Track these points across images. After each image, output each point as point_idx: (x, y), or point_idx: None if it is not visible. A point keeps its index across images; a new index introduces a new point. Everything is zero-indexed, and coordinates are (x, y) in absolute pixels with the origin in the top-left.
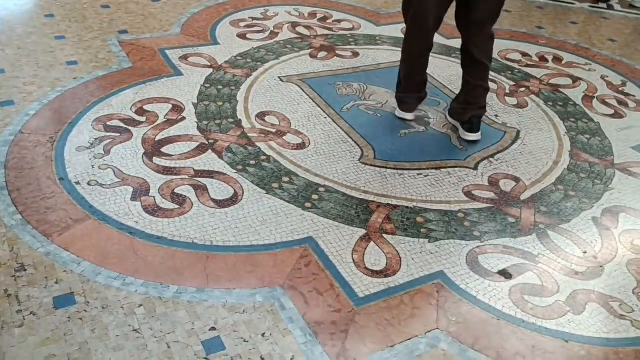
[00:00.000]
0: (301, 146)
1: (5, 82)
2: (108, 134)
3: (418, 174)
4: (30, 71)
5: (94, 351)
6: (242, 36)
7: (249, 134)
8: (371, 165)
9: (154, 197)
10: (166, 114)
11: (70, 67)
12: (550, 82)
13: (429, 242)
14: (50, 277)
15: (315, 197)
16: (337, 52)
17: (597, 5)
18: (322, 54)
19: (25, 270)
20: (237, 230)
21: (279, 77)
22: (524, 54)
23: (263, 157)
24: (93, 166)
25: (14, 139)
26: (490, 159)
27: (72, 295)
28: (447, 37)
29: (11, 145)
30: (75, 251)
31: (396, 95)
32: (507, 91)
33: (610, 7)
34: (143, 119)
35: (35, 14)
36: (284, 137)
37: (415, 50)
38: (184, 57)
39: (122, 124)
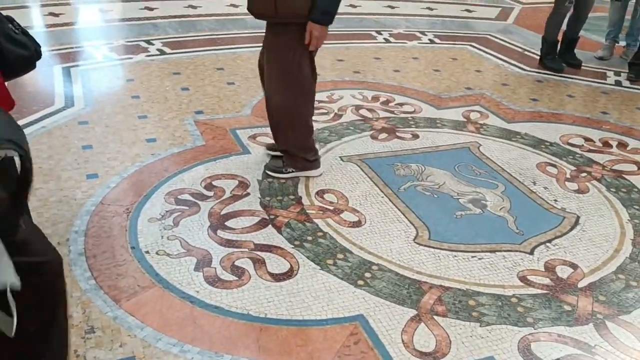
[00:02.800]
0: (357, 224)
1: (92, 156)
2: (178, 207)
3: (472, 257)
4: (115, 147)
5: None
6: None
7: (307, 211)
8: (425, 245)
9: (215, 268)
10: (232, 190)
11: (150, 144)
12: (614, 167)
13: (480, 326)
14: (116, 340)
15: (368, 275)
16: (398, 134)
17: None
18: (382, 135)
19: (94, 332)
20: (290, 304)
21: (340, 157)
22: (587, 139)
23: (320, 234)
24: (162, 237)
25: (95, 209)
26: (548, 244)
27: (134, 359)
28: (508, 121)
29: (92, 215)
30: (140, 317)
31: None
32: (568, 176)
33: None
34: (211, 193)
35: (124, 95)
36: (341, 215)
37: None
38: (253, 137)
39: (191, 198)
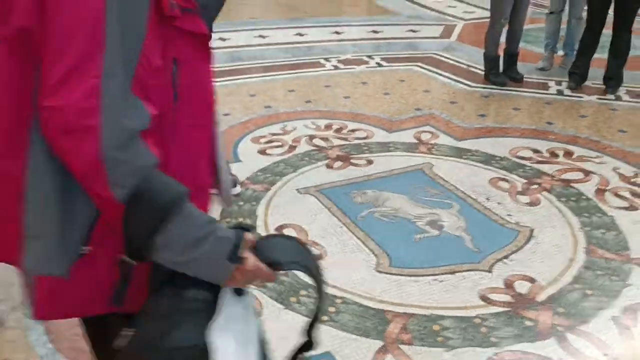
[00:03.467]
0: (318, 258)
1: None
2: None
3: (433, 280)
4: None
5: None
6: (263, 152)
7: None
8: (387, 273)
9: None
10: None
11: None
12: (562, 177)
13: (446, 351)
14: None
15: (332, 309)
16: (352, 161)
17: (605, 97)
18: (337, 164)
19: None
20: None
21: (297, 189)
22: (535, 151)
23: (281, 272)
24: None
25: None
26: (505, 260)
27: None
28: (458, 139)
29: None
30: None
31: None
32: (519, 189)
33: (618, 98)
34: None
35: None
36: None
37: None
38: None
39: None
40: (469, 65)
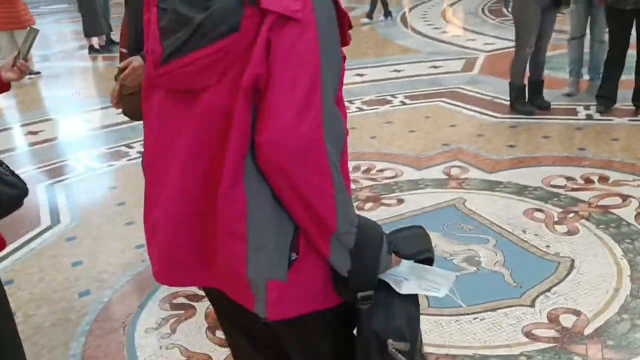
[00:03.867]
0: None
1: (82, 273)
2: (174, 312)
3: (474, 318)
4: (105, 259)
5: None
6: None
7: None
8: (426, 314)
9: None
10: None
11: (140, 251)
12: (599, 203)
13: None
14: None
15: None
16: (383, 201)
17: (636, 118)
18: (368, 205)
19: None
20: None
21: None
22: (569, 178)
23: None
24: (161, 347)
25: (90, 328)
26: (547, 294)
27: None
28: (489, 172)
29: (87, 335)
30: None
31: None
32: (556, 219)
33: None
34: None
35: (109, 204)
36: None
37: None
38: None
39: (186, 301)
40: (493, 97)
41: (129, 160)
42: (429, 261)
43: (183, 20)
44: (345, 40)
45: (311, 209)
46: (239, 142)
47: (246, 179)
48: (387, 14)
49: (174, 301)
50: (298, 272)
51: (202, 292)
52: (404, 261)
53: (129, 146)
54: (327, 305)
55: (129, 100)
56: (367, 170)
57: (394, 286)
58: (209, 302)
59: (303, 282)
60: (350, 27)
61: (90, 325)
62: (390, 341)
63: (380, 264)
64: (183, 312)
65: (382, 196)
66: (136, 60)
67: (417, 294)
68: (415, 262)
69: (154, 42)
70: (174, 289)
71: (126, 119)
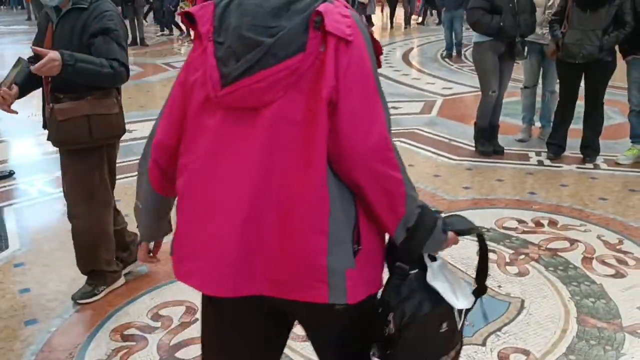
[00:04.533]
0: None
1: (30, 300)
2: (125, 343)
3: None
4: (54, 287)
5: None
6: None
7: None
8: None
9: None
10: (180, 317)
11: None
12: (549, 246)
13: None
14: None
15: None
16: None
17: (584, 166)
18: None
19: None
20: None
21: None
22: (520, 221)
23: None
24: None
25: (35, 358)
26: (498, 333)
27: None
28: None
29: None
30: None
31: None
32: (507, 260)
33: (597, 167)
34: (158, 324)
35: (62, 230)
36: (293, 330)
37: None
38: None
39: (138, 332)
40: (450, 139)
41: None
42: (481, 237)
43: (252, 44)
44: (379, 64)
45: (390, 198)
46: (324, 146)
47: (329, 180)
48: None
49: (125, 332)
50: (362, 261)
51: (155, 324)
52: (442, 261)
53: None
54: (379, 288)
55: (63, 126)
56: None
57: (428, 272)
58: (161, 334)
59: (365, 269)
60: (381, 52)
61: (36, 355)
62: (391, 315)
63: (428, 242)
64: (134, 343)
65: None
66: (54, 53)
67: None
68: (464, 234)
69: (212, 70)
70: (125, 319)
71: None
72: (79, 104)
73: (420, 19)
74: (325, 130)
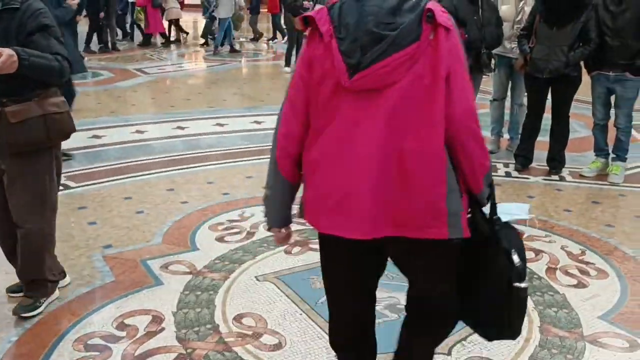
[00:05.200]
0: (277, 347)
1: None
2: (88, 353)
3: None
4: (16, 297)
5: None
6: (221, 239)
7: (226, 339)
8: None
9: None
10: (146, 326)
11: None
12: None
13: None
14: None
15: None
16: (311, 245)
17: (550, 178)
18: (296, 249)
19: None
20: None
21: (256, 277)
22: None
23: None
24: None
25: None
26: (463, 342)
27: None
28: None
29: None
30: None
31: None
32: None
33: (562, 179)
34: (123, 333)
35: None
36: (260, 339)
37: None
38: (165, 266)
39: (102, 342)
40: None
41: None
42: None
43: (378, 37)
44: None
45: (483, 151)
46: (442, 112)
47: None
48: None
49: (89, 342)
50: (464, 206)
51: (120, 333)
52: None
53: None
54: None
55: (17, 129)
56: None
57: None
58: (126, 344)
59: (466, 212)
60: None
61: None
62: (513, 252)
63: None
64: (98, 353)
65: (310, 240)
66: (9, 50)
67: None
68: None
69: (339, 62)
70: (89, 328)
71: None
72: (29, 105)
73: None
74: (443, 100)
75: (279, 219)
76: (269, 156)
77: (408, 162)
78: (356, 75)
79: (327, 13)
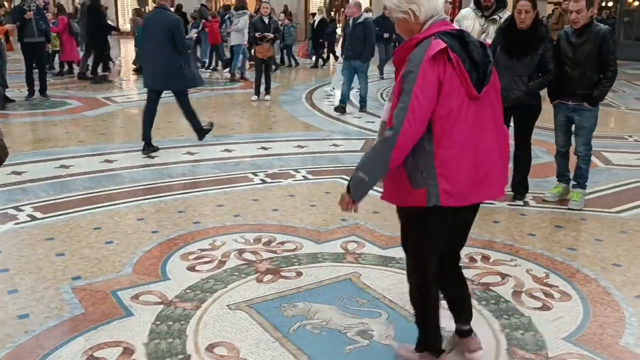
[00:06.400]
0: None
1: None
2: None
3: None
4: None
5: None
6: (192, 268)
7: None
8: None
9: None
10: (116, 359)
11: (22, 321)
12: (482, 281)
13: None
14: None
15: None
16: (282, 273)
17: (515, 203)
18: (267, 277)
19: None
20: None
21: (228, 306)
22: None
23: None
24: None
25: None
26: None
27: None
28: (383, 247)
29: None
30: None
31: None
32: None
33: (526, 204)
34: None
35: None
36: None
37: None
38: (135, 297)
39: None
40: None
41: (17, 224)
42: None
43: (485, 63)
44: None
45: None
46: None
47: None
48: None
49: None
50: None
51: None
52: None
53: (17, 209)
54: None
55: None
56: (268, 243)
57: None
58: None
59: None
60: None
61: None
62: None
63: None
64: None
65: (282, 269)
66: None
67: None
68: None
69: (466, 80)
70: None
71: (16, 178)
72: None
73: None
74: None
75: (365, 196)
76: (370, 147)
77: (502, 147)
78: (483, 89)
79: (447, 46)
